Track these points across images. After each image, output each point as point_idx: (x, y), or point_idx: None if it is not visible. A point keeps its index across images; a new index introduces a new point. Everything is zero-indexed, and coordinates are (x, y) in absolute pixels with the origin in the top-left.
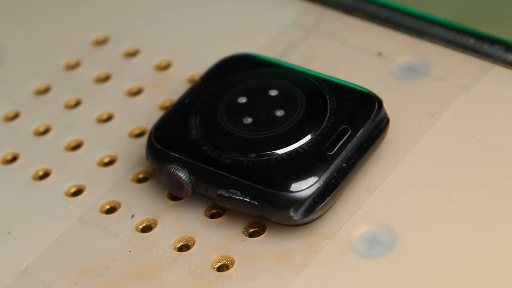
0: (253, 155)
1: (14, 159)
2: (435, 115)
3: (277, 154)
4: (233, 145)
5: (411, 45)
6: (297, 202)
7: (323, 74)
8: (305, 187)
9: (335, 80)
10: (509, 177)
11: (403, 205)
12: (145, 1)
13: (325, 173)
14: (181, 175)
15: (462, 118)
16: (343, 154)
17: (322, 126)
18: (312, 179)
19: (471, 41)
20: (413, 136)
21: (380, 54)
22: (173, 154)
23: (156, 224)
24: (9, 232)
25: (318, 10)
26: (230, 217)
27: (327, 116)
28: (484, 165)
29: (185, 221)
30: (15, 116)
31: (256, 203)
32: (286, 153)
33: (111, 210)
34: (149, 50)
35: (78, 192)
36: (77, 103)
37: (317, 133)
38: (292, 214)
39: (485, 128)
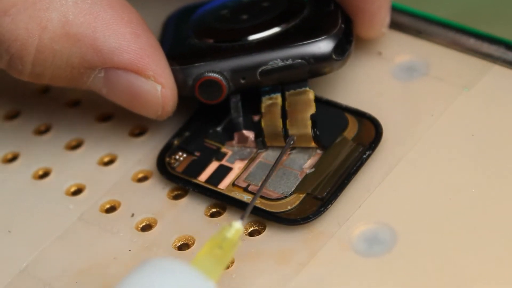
0: (277, 27)
1: (14, 158)
2: (435, 114)
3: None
4: (248, 30)
5: (410, 44)
6: (336, 41)
7: None
8: (335, 29)
9: None
10: (509, 176)
11: (403, 204)
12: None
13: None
14: (216, 74)
15: (461, 118)
16: None
17: None
18: (336, 22)
19: (471, 41)
20: (413, 135)
21: (379, 53)
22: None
23: (156, 223)
24: (9, 231)
25: None
26: (230, 216)
27: None
28: (483, 164)
29: (185, 220)
30: (16, 115)
31: (299, 59)
32: (304, 16)
33: (111, 209)
34: None
35: (78, 191)
36: (77, 102)
37: None
38: (334, 56)
39: (485, 128)
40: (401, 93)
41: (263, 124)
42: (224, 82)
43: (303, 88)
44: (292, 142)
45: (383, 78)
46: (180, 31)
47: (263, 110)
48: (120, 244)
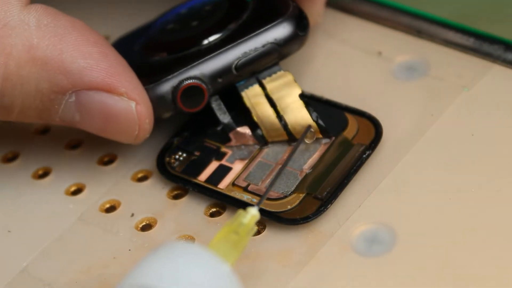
0: (233, 22)
1: (14, 157)
2: (435, 114)
3: (250, 8)
4: (208, 32)
5: (410, 44)
6: (296, 18)
7: None
8: (291, 8)
9: None
10: (509, 176)
11: (403, 204)
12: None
13: None
14: (194, 80)
15: (461, 117)
16: None
17: None
18: (287, 3)
19: (471, 41)
20: (413, 135)
21: (379, 53)
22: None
23: (156, 223)
24: (9, 231)
25: None
26: (230, 216)
27: None
28: (483, 164)
29: (184, 220)
30: None
31: (269, 43)
32: (254, 7)
33: (111, 209)
34: None
35: (78, 191)
36: None
37: None
38: (299, 32)
39: (485, 127)
40: (401, 93)
41: (255, 119)
42: (204, 86)
43: (278, 72)
44: (309, 131)
45: (383, 78)
46: (132, 56)
47: (248, 104)
48: (120, 244)
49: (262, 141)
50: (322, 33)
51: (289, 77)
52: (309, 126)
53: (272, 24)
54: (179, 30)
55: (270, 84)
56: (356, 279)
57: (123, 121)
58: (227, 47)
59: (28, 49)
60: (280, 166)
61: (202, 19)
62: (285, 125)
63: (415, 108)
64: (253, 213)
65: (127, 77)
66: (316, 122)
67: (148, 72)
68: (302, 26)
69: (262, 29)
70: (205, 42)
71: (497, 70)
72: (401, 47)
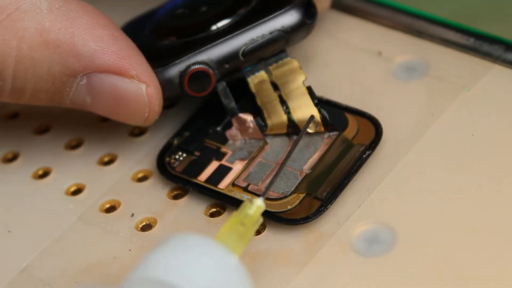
0: (242, 8)
1: (14, 157)
2: (435, 114)
3: None
4: (217, 17)
5: (410, 44)
6: (304, 6)
7: None
8: None
9: None
10: (509, 176)
11: (403, 204)
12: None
13: None
14: (202, 65)
15: (461, 117)
16: None
17: None
18: None
19: (471, 41)
20: (413, 135)
21: (379, 53)
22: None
23: (156, 223)
24: (9, 231)
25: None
26: (229, 216)
27: None
28: (483, 164)
29: (184, 220)
30: (16, 114)
31: (277, 30)
32: None
33: (111, 209)
34: None
35: (78, 191)
36: None
37: None
38: (306, 20)
39: (485, 127)
40: (401, 93)
41: (259, 102)
42: (211, 71)
43: (285, 59)
44: (312, 121)
45: (383, 78)
46: (141, 40)
47: (253, 90)
48: (120, 244)
49: (263, 129)
50: (322, 33)
51: (294, 64)
52: (312, 116)
53: (281, 11)
54: (188, 15)
55: (276, 70)
56: (356, 279)
57: (133, 103)
58: (234, 33)
59: (41, 32)
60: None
61: (211, 4)
62: (287, 111)
63: (415, 108)
64: (258, 204)
65: (137, 60)
66: (319, 110)
67: (156, 56)
68: (309, 14)
69: (270, 16)
70: (214, 28)
71: (497, 70)
72: (401, 47)
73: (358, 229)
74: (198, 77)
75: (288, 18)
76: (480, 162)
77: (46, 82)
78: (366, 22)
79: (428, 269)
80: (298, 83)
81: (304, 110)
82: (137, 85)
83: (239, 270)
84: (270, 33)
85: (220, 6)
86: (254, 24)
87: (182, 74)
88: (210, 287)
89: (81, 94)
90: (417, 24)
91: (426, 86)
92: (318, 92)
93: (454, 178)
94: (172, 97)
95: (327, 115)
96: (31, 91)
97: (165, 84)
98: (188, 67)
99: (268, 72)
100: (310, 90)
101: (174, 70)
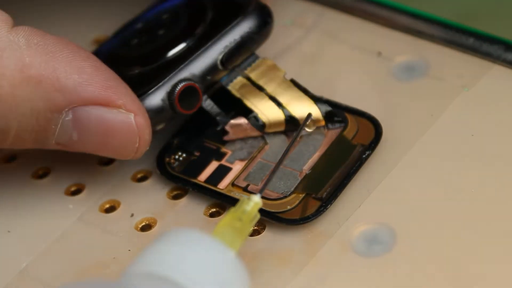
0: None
1: (14, 157)
2: (434, 114)
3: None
4: (182, 35)
5: (410, 44)
6: (263, 8)
7: None
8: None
9: None
10: (509, 176)
11: (403, 204)
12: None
13: None
14: (188, 81)
15: (461, 117)
16: None
17: None
18: None
19: (471, 40)
20: (412, 135)
21: (379, 53)
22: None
23: (155, 223)
24: (8, 231)
25: (317, 10)
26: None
27: None
28: (483, 164)
29: (184, 220)
30: None
31: (246, 32)
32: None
33: (111, 209)
34: None
35: (78, 191)
36: None
37: None
38: (268, 20)
39: (484, 127)
40: (400, 93)
41: (248, 104)
42: (198, 85)
43: (257, 61)
44: (310, 118)
45: (383, 78)
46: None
47: (238, 95)
48: (120, 244)
49: (261, 128)
50: (322, 33)
51: (269, 62)
52: (309, 114)
53: (242, 16)
54: (149, 39)
55: (253, 72)
56: (356, 279)
57: (123, 135)
58: (207, 46)
59: (21, 68)
60: (280, 166)
61: (167, 26)
62: (279, 104)
63: (415, 108)
64: (255, 200)
65: (122, 89)
66: (325, 118)
67: (132, 85)
68: (269, 14)
69: (234, 23)
70: (182, 46)
71: (497, 70)
72: (400, 47)
73: (358, 229)
74: (187, 93)
75: (254, 20)
76: (480, 162)
77: (30, 119)
78: (366, 22)
79: (428, 269)
80: (280, 78)
81: (296, 102)
82: (125, 115)
83: (236, 265)
84: (241, 36)
85: (177, 26)
86: (226, 31)
87: (171, 94)
88: (208, 281)
89: (67, 131)
90: (417, 24)
91: (425, 86)
92: (318, 92)
93: (454, 178)
94: (164, 120)
95: (325, 108)
96: (15, 130)
97: (155, 109)
98: (175, 85)
99: (245, 76)
100: (294, 82)
101: (160, 93)
